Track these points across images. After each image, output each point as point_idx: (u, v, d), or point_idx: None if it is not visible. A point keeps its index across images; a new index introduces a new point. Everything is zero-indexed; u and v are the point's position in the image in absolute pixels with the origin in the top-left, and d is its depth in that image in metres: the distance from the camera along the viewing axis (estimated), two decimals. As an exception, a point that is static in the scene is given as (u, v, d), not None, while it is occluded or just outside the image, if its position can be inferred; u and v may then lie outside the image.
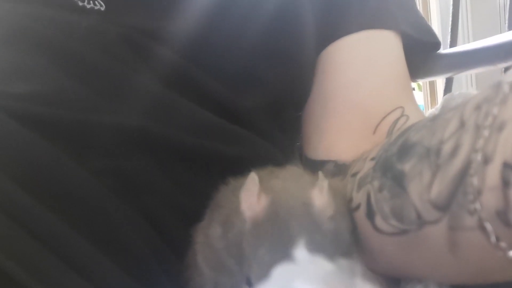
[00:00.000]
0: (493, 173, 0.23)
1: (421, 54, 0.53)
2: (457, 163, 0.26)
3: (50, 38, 0.39)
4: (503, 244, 0.24)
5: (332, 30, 0.46)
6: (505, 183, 0.22)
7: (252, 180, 0.29)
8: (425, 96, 1.79)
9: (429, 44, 0.53)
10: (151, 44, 0.40)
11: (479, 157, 0.24)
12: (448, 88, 0.77)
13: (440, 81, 1.47)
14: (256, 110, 0.44)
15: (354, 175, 0.36)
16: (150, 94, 0.39)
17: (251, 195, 0.28)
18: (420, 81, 1.53)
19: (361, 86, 0.44)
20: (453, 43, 0.77)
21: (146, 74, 0.40)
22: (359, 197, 0.34)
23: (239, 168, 0.34)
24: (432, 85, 1.72)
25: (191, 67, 0.41)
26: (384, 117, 0.41)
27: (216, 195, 0.34)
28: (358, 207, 0.34)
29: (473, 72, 1.07)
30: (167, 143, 0.38)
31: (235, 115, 0.42)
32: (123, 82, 0.38)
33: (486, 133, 0.24)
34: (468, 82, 1.58)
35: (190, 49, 0.42)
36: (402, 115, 0.41)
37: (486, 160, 0.24)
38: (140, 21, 0.41)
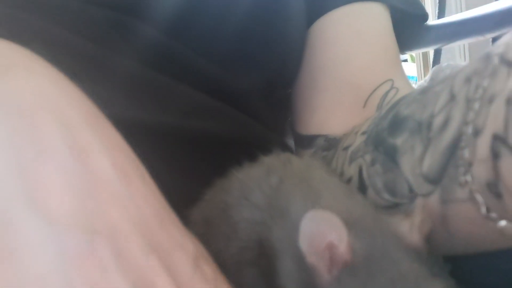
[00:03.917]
0: (483, 145, 0.23)
1: (409, 26, 0.52)
2: (448, 136, 0.26)
3: (37, 25, 0.38)
4: (493, 215, 0.24)
5: (319, 5, 0.46)
6: (494, 155, 0.23)
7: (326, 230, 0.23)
8: (418, 67, 1.79)
9: (416, 16, 0.52)
10: (138, 26, 0.40)
11: (469, 129, 0.24)
12: (436, 59, 0.76)
13: (433, 52, 1.48)
14: (248, 90, 0.44)
15: (346, 148, 0.37)
16: (139, 78, 0.39)
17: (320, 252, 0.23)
18: (413, 52, 1.52)
19: (350, 60, 0.43)
20: (441, 14, 0.76)
21: (135, 57, 0.39)
22: (350, 171, 0.34)
23: (231, 149, 0.34)
24: (425, 56, 1.72)
25: (180, 47, 0.41)
26: (374, 90, 0.41)
27: (223, 179, 0.31)
28: (349, 180, 0.34)
29: (462, 43, 1.07)
30: (157, 125, 0.38)
31: (226, 95, 0.42)
32: (111, 69, 0.38)
33: (476, 105, 0.24)
34: (461, 53, 1.57)
35: (179, 29, 0.41)
36: (391, 88, 0.41)
37: (477, 133, 0.24)
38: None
